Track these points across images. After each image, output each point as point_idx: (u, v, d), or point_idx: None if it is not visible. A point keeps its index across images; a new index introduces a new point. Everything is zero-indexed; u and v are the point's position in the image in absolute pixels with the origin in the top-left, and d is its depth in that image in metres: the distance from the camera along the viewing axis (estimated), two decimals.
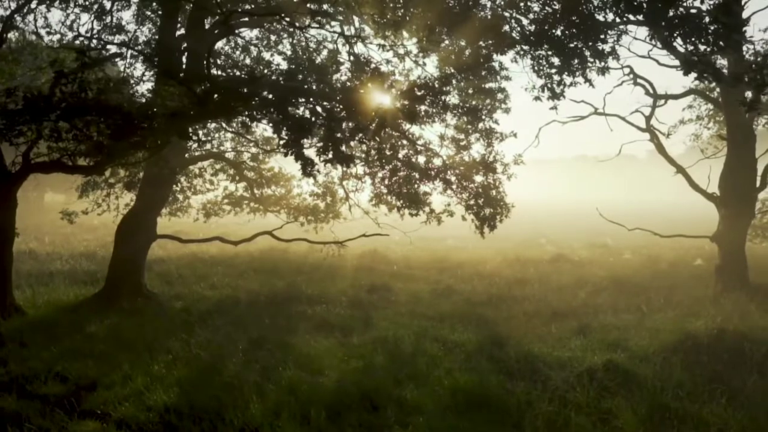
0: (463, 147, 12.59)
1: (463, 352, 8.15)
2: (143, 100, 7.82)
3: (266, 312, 10.83)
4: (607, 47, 8.14)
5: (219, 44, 16.13)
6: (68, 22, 13.91)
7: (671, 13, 6.00)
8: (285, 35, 16.05)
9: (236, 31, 15.23)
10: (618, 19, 6.80)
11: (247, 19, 12.20)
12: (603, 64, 7.98)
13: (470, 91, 13.13)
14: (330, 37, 15.93)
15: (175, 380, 6.92)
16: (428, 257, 17.88)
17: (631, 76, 14.02)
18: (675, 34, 6.20)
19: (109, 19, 14.04)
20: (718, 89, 13.65)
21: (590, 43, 8.04)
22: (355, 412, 5.97)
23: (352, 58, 14.19)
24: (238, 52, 16.59)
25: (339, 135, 6.65)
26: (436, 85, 11.43)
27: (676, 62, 13.35)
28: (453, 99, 12.45)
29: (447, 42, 11.86)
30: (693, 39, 6.16)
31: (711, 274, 13.23)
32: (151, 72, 10.19)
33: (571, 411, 6.05)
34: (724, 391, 6.04)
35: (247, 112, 7.08)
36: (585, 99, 16.03)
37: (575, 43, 8.11)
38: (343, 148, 7.21)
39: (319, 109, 6.76)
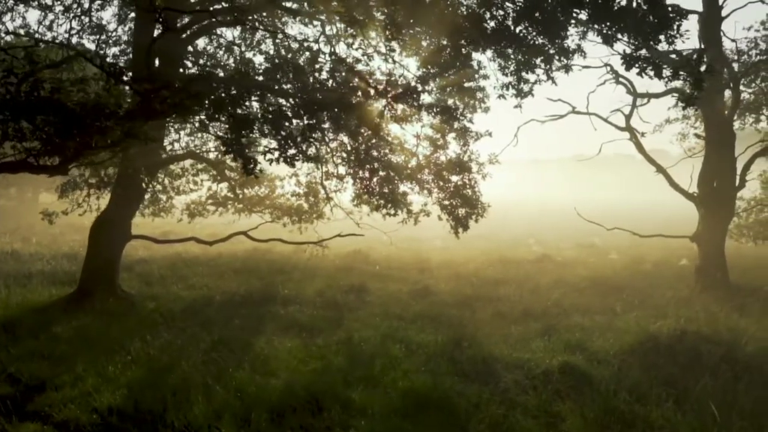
0: (439, 146, 12.52)
1: (425, 354, 8.07)
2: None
3: (237, 312, 10.79)
4: (572, 44, 8.02)
5: (201, 44, 16.18)
6: (46, 22, 13.94)
7: (615, 8, 5.89)
8: (267, 35, 16.02)
9: (214, 31, 15.25)
10: (563, 15, 6.69)
11: (228, 17, 12.13)
12: (566, 61, 7.86)
13: (449, 90, 13.05)
14: (312, 36, 15.91)
15: (126, 381, 6.87)
16: (411, 257, 17.79)
17: (613, 74, 13.92)
18: (614, 29, 6.09)
19: (87, 19, 14.05)
20: None
21: (556, 41, 7.92)
22: (299, 415, 5.90)
23: (333, 57, 14.19)
24: (221, 52, 16.61)
25: (285, 133, 6.59)
26: (412, 84, 11.41)
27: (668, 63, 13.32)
28: (428, 98, 12.43)
29: (426, 42, 11.80)
30: (633, 34, 6.05)
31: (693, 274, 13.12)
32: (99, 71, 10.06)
33: (520, 414, 5.97)
34: (671, 394, 5.94)
35: (204, 111, 7.02)
36: (570, 98, 15.97)
37: (538, 40, 8.00)
38: (304, 147, 7.14)
39: (270, 107, 6.69)
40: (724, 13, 12.24)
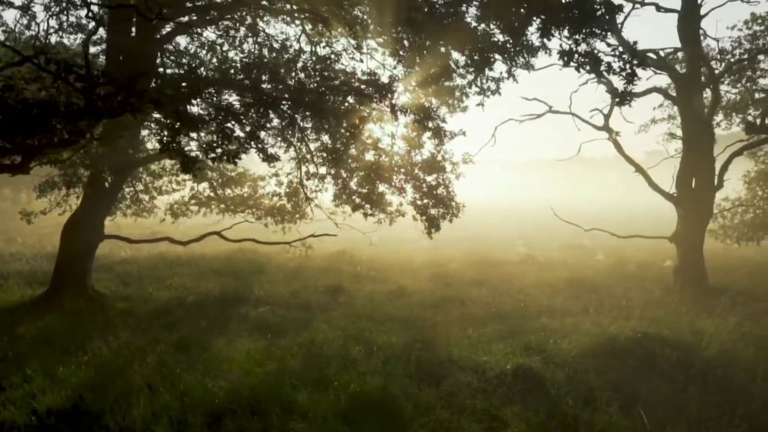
0: (414, 146, 12.41)
1: (384, 356, 7.95)
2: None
3: (207, 313, 10.69)
4: (536, 42, 7.89)
5: (183, 43, 16.13)
6: (24, 21, 13.90)
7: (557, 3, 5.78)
8: (248, 34, 15.96)
9: (195, 30, 15.20)
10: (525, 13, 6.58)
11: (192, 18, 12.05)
12: (529, 58, 7.73)
13: (427, 89, 12.94)
14: (294, 35, 15.82)
15: (76, 382, 6.79)
16: (394, 258, 17.66)
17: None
18: (549, 24, 5.98)
19: (65, 17, 14.00)
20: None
21: (521, 38, 7.80)
22: (238, 417, 5.80)
23: (313, 55, 14.11)
24: (204, 51, 16.53)
25: (231, 132, 6.48)
26: (385, 82, 11.35)
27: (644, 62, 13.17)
28: (405, 97, 12.33)
29: (407, 42, 11.69)
30: (568, 28, 5.94)
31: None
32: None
33: (465, 418, 5.85)
34: (618, 398, 5.81)
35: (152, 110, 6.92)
36: (555, 97, 15.80)
37: (502, 37, 7.89)
38: (255, 144, 7.04)
39: (222, 104, 6.60)
40: (703, 11, 12.10)
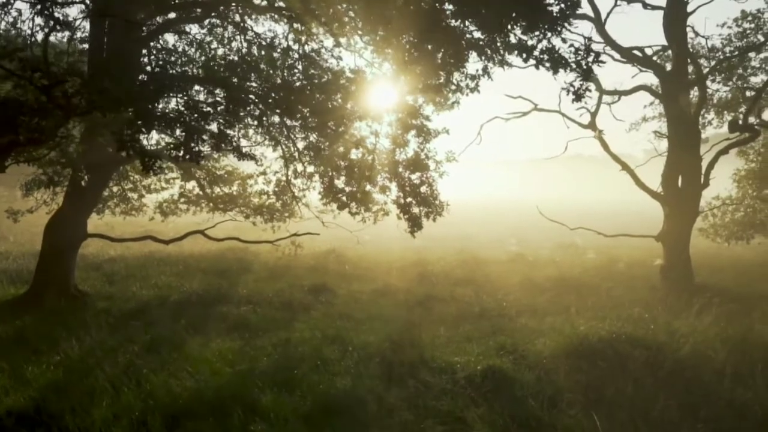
0: (398, 144, 12.34)
1: (358, 356, 7.88)
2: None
3: (188, 312, 10.64)
4: (513, 39, 7.78)
5: (172, 41, 16.07)
6: (9, 19, 13.87)
7: None
8: (238, 32, 15.89)
9: (182, 28, 15.14)
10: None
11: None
12: (504, 56, 7.62)
13: (416, 86, 12.84)
14: (282, 33, 15.79)
15: (43, 383, 6.74)
16: (383, 257, 17.59)
17: None
18: (506, 19, 5.89)
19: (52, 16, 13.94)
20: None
21: (494, 35, 7.69)
22: (198, 419, 5.74)
23: (299, 54, 14.04)
24: (193, 49, 16.45)
25: (197, 131, 6.41)
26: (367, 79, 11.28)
27: (629, 59, 13.03)
28: (389, 95, 12.27)
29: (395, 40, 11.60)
30: (525, 24, 5.83)
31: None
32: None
33: (430, 419, 5.79)
34: (583, 400, 5.73)
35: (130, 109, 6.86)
36: (545, 95, 15.73)
37: (478, 35, 7.79)
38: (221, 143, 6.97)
39: (190, 103, 6.54)
40: (689, 8, 11.98)
